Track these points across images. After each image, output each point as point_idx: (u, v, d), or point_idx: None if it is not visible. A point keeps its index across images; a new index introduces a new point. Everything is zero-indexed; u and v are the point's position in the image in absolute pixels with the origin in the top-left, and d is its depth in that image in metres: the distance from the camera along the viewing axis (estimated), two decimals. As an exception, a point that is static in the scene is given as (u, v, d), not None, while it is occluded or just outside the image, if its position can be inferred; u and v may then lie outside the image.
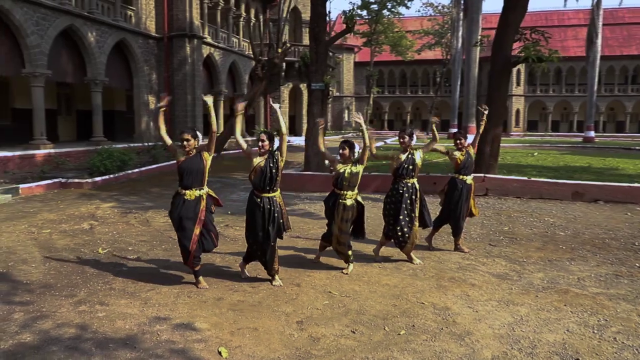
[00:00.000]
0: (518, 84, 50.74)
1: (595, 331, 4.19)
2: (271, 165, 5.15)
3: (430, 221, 6.46)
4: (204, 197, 5.13)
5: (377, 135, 45.47)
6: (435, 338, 4.04)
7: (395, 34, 40.59)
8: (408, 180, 6.12)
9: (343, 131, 51.42)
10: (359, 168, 5.70)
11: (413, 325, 4.28)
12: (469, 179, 6.65)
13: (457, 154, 6.58)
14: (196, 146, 5.16)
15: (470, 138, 6.91)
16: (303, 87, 31.42)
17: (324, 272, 5.81)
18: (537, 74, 50.90)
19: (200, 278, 5.26)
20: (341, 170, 5.68)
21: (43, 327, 4.19)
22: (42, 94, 15.19)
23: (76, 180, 12.23)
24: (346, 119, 55.60)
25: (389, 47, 42.70)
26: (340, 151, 5.74)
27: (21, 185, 11.09)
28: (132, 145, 18.23)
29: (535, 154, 21.91)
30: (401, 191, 6.07)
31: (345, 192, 5.65)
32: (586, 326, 4.29)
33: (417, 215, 6.16)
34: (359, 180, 5.72)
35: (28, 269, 5.82)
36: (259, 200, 5.16)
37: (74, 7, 16.47)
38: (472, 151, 6.72)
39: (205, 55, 23.13)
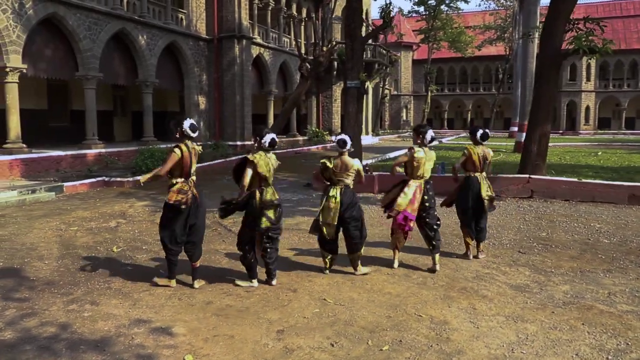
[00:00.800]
0: (588, 79, 47.60)
1: (610, 357, 3.65)
2: None
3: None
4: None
5: (437, 134, 44.12)
6: (420, 356, 3.67)
7: (453, 30, 39.27)
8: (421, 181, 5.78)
9: (401, 130, 50.50)
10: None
11: (400, 341, 3.92)
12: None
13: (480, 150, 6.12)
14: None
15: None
16: (355, 85, 31.01)
17: (327, 277, 5.53)
18: (610, 68, 47.54)
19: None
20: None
21: (27, 325, 4.22)
22: (94, 96, 15.88)
23: (118, 179, 12.64)
24: (404, 117, 54.60)
25: (447, 43, 41.39)
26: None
27: (65, 184, 11.59)
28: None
29: (599, 153, 20.35)
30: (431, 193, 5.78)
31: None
32: (601, 350, 3.75)
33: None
34: None
35: (40, 266, 5.97)
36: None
37: (126, 11, 17.10)
38: None
39: (254, 56, 23.36)
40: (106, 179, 12.70)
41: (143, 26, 17.73)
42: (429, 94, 43.29)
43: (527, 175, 10.75)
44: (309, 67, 18.95)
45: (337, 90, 30.86)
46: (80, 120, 17.77)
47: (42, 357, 3.65)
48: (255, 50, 23.38)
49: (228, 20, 21.49)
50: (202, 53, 21.50)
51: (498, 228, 7.99)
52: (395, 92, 53.29)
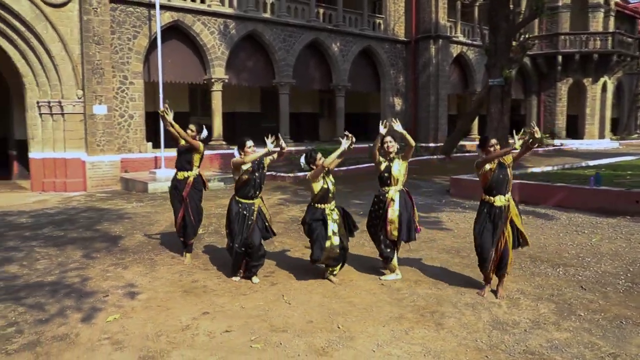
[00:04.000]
0: None
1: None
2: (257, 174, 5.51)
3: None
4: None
5: None
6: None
7: None
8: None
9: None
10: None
11: (280, 343, 3.96)
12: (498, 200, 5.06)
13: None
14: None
15: None
16: (587, 82, 26.93)
17: (318, 280, 5.54)
18: None
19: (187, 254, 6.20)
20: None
21: (68, 274, 5.68)
22: (287, 100, 18.10)
23: (282, 174, 14.31)
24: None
25: None
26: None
27: (236, 175, 13.75)
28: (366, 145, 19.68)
29: None
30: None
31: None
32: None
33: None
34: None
35: (138, 237, 7.59)
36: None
37: (321, 22, 18.91)
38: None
39: (455, 55, 22.72)
40: (274, 173, 14.51)
41: (336, 34, 19.27)
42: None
43: None
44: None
45: (563, 88, 27.31)
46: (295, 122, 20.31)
47: (44, 296, 4.97)
48: (455, 49, 22.71)
49: (425, 21, 21.46)
50: (399, 55, 22.00)
51: (604, 257, 6.43)
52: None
